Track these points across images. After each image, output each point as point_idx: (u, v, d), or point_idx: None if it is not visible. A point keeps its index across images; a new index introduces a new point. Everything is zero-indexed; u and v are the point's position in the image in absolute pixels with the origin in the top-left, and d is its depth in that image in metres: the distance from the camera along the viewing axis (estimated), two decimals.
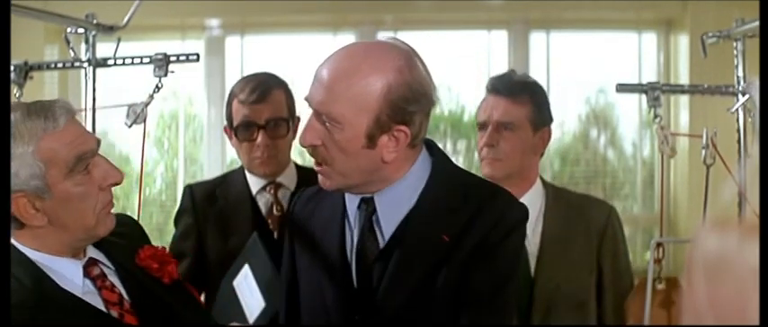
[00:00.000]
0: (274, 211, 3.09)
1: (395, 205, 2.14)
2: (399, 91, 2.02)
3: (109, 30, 3.04)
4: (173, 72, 2.99)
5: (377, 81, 2.01)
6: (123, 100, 3.00)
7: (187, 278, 3.03)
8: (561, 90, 5.07)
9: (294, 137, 3.06)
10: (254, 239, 2.83)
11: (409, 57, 2.06)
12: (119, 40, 3.04)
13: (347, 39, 5.04)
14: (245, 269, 2.82)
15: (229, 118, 3.08)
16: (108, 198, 2.00)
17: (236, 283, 2.84)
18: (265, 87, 3.04)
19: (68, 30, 3.01)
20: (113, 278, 2.03)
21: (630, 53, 5.22)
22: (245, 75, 3.22)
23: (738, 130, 2.96)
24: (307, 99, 2.08)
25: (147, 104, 2.96)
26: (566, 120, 5.20)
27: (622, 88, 3.05)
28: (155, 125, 5.18)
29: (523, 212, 2.16)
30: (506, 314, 2.15)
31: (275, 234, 3.05)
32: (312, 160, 2.15)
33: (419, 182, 2.15)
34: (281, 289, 2.41)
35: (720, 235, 0.98)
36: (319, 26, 5.18)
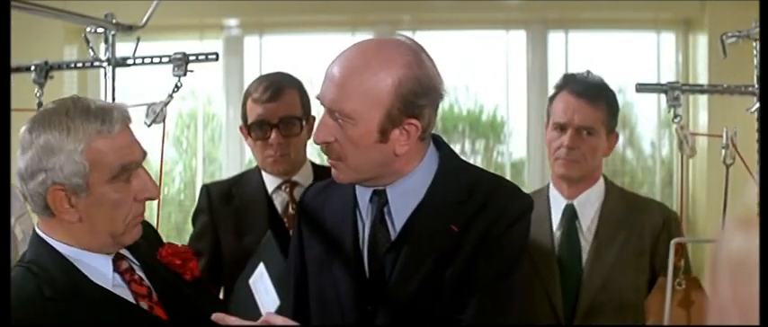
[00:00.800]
0: (290, 210, 3.10)
1: (406, 197, 2.19)
2: (409, 85, 2.07)
3: (128, 29, 3.05)
4: (192, 71, 3.00)
5: (387, 76, 2.06)
6: (141, 99, 3.01)
7: (203, 277, 3.06)
8: None
9: (309, 136, 3.07)
10: (269, 238, 2.83)
11: (417, 53, 2.12)
12: (138, 40, 3.05)
13: (365, 38, 5.02)
14: (261, 268, 2.83)
15: (244, 117, 3.11)
16: (140, 210, 2.04)
17: (251, 282, 2.85)
18: (278, 86, 3.06)
19: (88, 29, 3.03)
20: (140, 273, 2.06)
21: (649, 53, 5.18)
22: (262, 74, 3.23)
23: (758, 130, 2.95)
24: (319, 97, 2.13)
25: (166, 104, 2.97)
26: None
27: (642, 88, 3.04)
28: (173, 124, 5.19)
29: (527, 203, 2.23)
30: (512, 302, 2.20)
31: (291, 233, 3.05)
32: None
33: (428, 175, 2.20)
34: (287, 281, 2.45)
35: (746, 234, 0.97)
36: (337, 26, 5.18)
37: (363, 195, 2.23)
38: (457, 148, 5.21)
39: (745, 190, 1.02)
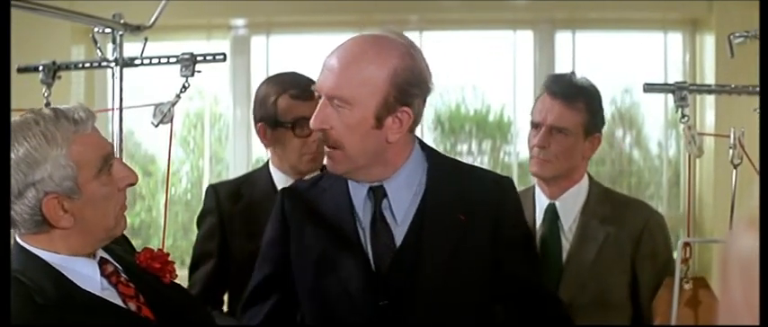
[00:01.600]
0: None
1: (403, 190, 2.33)
2: (404, 74, 2.21)
3: (136, 29, 3.05)
4: (199, 72, 3.00)
5: (384, 65, 2.20)
6: (148, 99, 3.02)
7: (212, 279, 3.05)
8: None
9: None
10: None
11: (408, 47, 2.26)
12: (146, 40, 3.05)
13: None
14: None
15: (272, 115, 3.02)
16: (124, 199, 2.08)
17: None
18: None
19: (96, 29, 3.04)
20: (124, 275, 2.09)
21: (656, 53, 5.18)
22: (274, 73, 3.18)
23: (760, 130, 2.94)
24: (316, 88, 2.26)
25: (173, 104, 2.97)
26: None
27: (650, 88, 3.03)
28: (180, 124, 5.19)
29: (510, 180, 2.50)
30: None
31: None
32: None
33: (420, 168, 2.36)
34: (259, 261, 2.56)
35: (755, 234, 0.97)
36: (344, 26, 5.17)
37: (358, 194, 2.35)
38: (464, 148, 5.22)
39: (752, 190, 1.02)
